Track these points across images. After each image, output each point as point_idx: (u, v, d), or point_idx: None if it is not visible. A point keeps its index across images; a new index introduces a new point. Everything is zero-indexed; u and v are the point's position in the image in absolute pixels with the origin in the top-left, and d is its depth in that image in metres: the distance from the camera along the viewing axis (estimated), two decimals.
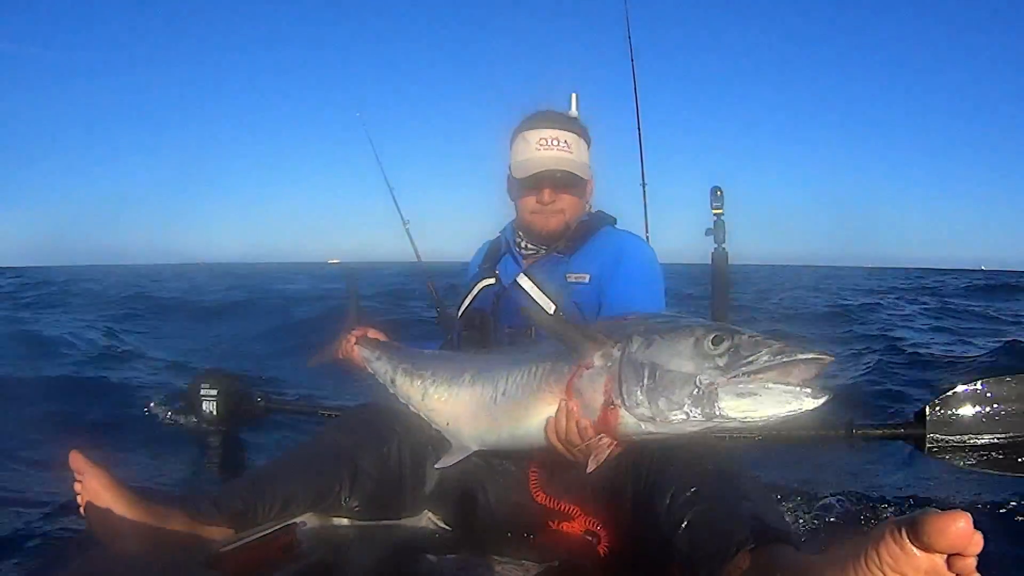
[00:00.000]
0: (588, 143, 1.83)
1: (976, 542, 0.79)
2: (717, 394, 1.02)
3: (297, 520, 1.57)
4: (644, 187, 3.09)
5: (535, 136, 1.74)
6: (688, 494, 1.21)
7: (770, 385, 1.00)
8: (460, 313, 1.91)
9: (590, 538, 1.58)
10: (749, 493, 1.23)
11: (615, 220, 1.90)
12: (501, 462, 1.71)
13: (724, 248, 2.72)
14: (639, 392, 1.09)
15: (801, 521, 2.76)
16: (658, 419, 1.08)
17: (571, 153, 1.73)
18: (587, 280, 1.69)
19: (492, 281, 1.85)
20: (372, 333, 1.89)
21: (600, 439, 1.15)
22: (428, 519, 1.76)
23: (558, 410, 1.24)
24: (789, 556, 1.05)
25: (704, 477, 1.25)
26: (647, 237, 2.95)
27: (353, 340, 1.87)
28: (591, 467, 1.16)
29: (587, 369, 1.16)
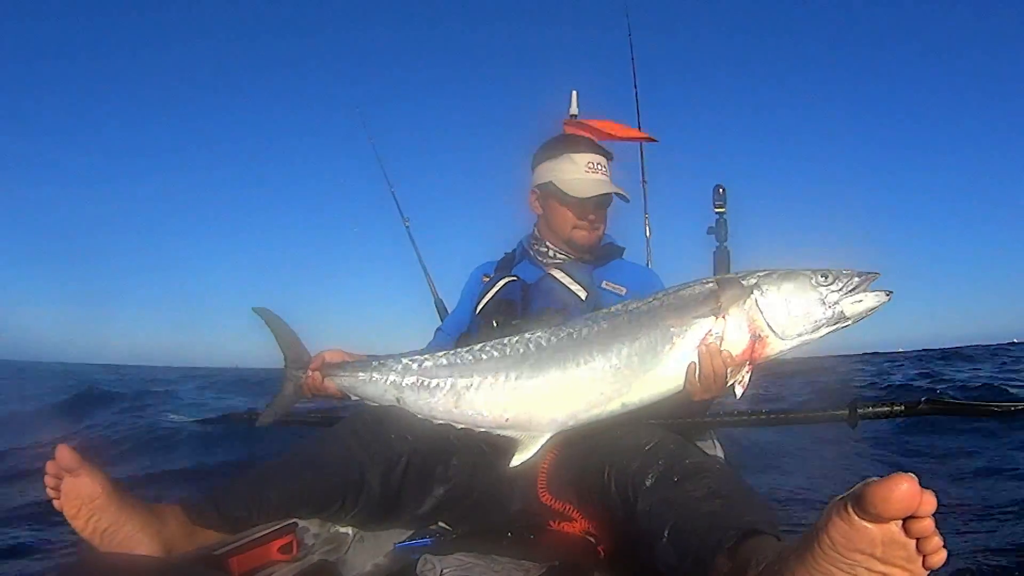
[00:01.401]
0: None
1: (927, 501, 0.76)
2: (840, 306, 1.38)
3: (297, 520, 1.57)
4: (644, 184, 3.09)
5: (583, 160, 1.93)
6: (665, 504, 1.26)
7: (866, 293, 1.39)
8: (480, 308, 1.94)
9: (590, 539, 1.58)
10: (721, 486, 1.27)
11: (624, 250, 2.13)
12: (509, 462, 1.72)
13: (726, 247, 2.71)
14: (785, 320, 1.39)
15: (801, 512, 2.77)
16: (803, 335, 1.40)
17: (609, 177, 1.96)
18: (624, 293, 1.91)
19: (514, 279, 1.96)
20: (331, 356, 1.73)
21: (741, 369, 1.41)
22: None
23: (701, 357, 1.40)
24: (765, 549, 1.05)
25: (678, 485, 1.29)
26: (647, 237, 2.96)
27: (319, 375, 1.71)
28: (739, 393, 1.42)
29: (726, 317, 1.41)
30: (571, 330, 1.54)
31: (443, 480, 1.66)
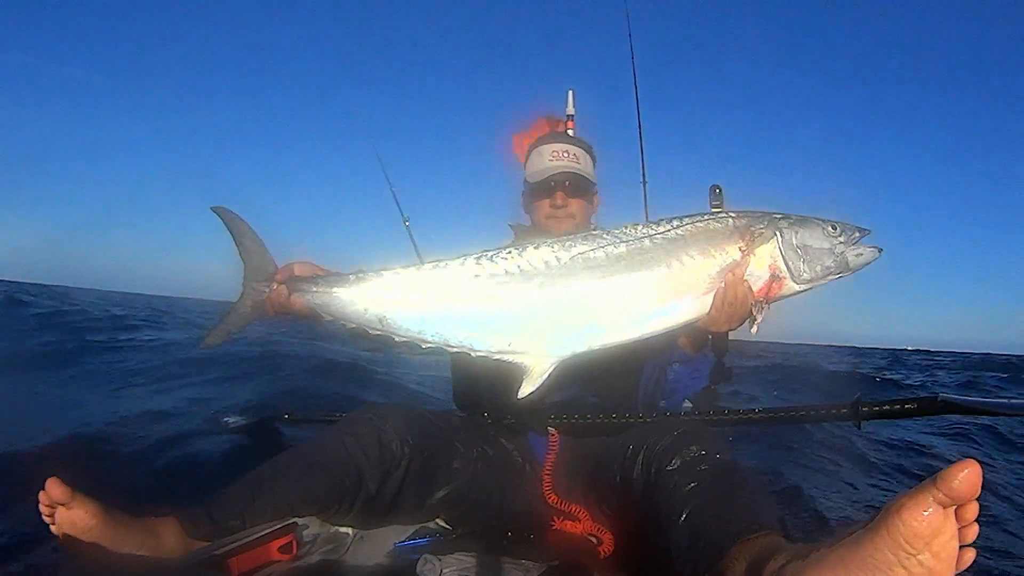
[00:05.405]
0: (594, 159, 2.02)
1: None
2: (846, 256, 1.47)
3: (297, 520, 1.56)
4: (644, 184, 3.07)
5: (548, 149, 1.94)
6: (688, 488, 1.27)
7: (864, 247, 1.48)
8: None
9: (592, 539, 1.58)
10: (746, 486, 1.28)
11: None
12: (516, 460, 1.72)
13: None
14: (802, 264, 1.46)
15: (803, 515, 2.77)
16: (814, 280, 1.47)
17: (579, 164, 1.94)
18: None
19: None
20: (301, 268, 1.52)
21: (759, 305, 1.45)
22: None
23: (727, 283, 1.43)
24: (784, 544, 1.07)
25: (704, 473, 1.30)
26: None
27: (285, 288, 1.50)
28: (754, 331, 1.46)
29: (752, 255, 1.46)
30: (584, 248, 1.43)
31: (445, 482, 1.65)
